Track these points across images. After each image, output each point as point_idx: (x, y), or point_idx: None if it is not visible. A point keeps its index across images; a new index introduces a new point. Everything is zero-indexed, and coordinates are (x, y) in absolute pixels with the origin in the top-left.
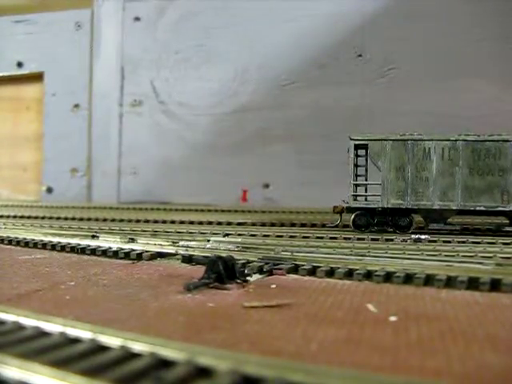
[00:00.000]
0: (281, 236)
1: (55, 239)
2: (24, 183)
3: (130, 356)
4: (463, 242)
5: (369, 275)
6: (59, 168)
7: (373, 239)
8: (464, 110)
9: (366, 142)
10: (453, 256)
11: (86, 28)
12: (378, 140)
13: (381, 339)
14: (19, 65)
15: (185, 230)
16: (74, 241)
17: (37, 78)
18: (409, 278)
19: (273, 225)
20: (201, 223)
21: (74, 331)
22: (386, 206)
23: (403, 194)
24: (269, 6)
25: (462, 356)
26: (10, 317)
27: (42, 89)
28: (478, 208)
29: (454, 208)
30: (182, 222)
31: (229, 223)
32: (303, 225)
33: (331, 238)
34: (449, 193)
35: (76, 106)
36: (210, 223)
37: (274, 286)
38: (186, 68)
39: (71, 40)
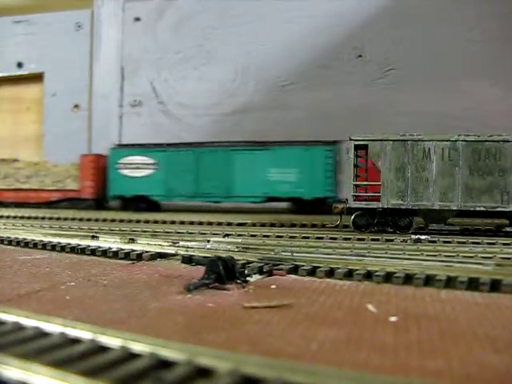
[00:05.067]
0: (281, 236)
1: (55, 239)
2: None
3: (130, 356)
4: (463, 243)
5: (369, 275)
6: None
7: (373, 239)
8: (464, 111)
9: (366, 143)
10: (453, 256)
11: (86, 28)
12: (378, 140)
13: (381, 339)
14: (19, 65)
15: (185, 231)
16: (73, 241)
17: (37, 78)
18: (409, 279)
19: (273, 225)
20: (201, 223)
21: (74, 331)
22: (385, 207)
23: (403, 194)
24: (269, 7)
25: (462, 356)
26: (10, 317)
27: (42, 89)
28: (478, 208)
29: (454, 208)
30: (182, 223)
31: (229, 224)
32: (303, 225)
33: (331, 238)
34: (449, 193)
35: (76, 106)
36: (210, 224)
37: (273, 286)
38: (185, 68)
39: (71, 40)
